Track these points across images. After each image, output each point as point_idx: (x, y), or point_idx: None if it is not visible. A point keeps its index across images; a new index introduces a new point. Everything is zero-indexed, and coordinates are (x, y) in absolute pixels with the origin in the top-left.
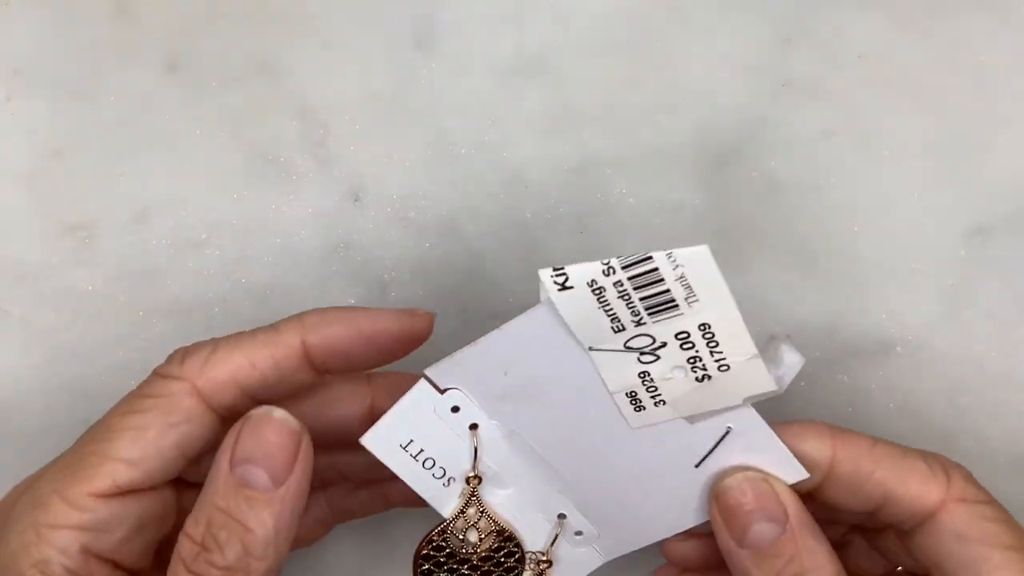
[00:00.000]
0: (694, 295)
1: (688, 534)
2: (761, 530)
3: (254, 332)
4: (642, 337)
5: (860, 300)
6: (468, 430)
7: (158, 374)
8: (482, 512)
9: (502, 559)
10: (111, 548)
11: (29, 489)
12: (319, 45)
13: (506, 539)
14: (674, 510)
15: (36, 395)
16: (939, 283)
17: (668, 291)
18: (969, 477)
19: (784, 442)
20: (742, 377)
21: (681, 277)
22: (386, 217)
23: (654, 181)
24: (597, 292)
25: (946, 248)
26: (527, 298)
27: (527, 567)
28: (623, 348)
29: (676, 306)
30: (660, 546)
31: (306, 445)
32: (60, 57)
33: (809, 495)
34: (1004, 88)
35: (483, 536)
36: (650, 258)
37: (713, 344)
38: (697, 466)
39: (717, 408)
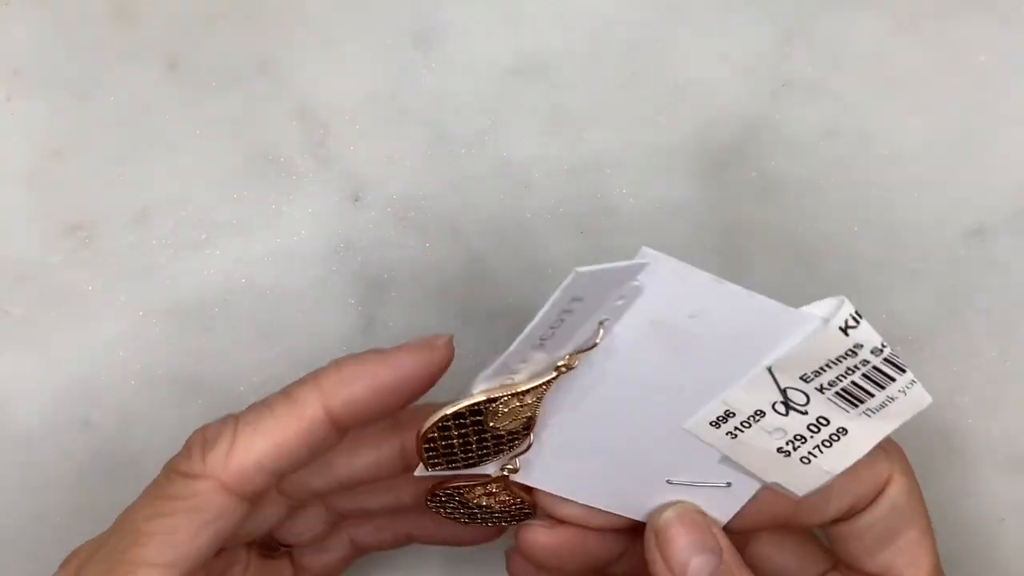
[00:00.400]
0: (880, 412)
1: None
2: (699, 563)
3: (271, 406)
4: (803, 395)
5: (860, 300)
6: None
7: (179, 472)
8: (540, 398)
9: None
10: None
11: None
12: (319, 45)
13: (527, 427)
14: (639, 499)
15: (36, 395)
16: (939, 283)
17: (874, 397)
18: (902, 452)
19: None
20: (803, 475)
21: (894, 399)
22: (386, 217)
23: (654, 181)
24: (850, 353)
25: (946, 248)
26: (527, 298)
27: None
28: (781, 389)
29: (857, 407)
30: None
31: None
32: (60, 57)
33: (781, 524)
34: (1004, 88)
35: (514, 419)
36: (905, 373)
37: (827, 445)
38: (671, 483)
39: (753, 473)
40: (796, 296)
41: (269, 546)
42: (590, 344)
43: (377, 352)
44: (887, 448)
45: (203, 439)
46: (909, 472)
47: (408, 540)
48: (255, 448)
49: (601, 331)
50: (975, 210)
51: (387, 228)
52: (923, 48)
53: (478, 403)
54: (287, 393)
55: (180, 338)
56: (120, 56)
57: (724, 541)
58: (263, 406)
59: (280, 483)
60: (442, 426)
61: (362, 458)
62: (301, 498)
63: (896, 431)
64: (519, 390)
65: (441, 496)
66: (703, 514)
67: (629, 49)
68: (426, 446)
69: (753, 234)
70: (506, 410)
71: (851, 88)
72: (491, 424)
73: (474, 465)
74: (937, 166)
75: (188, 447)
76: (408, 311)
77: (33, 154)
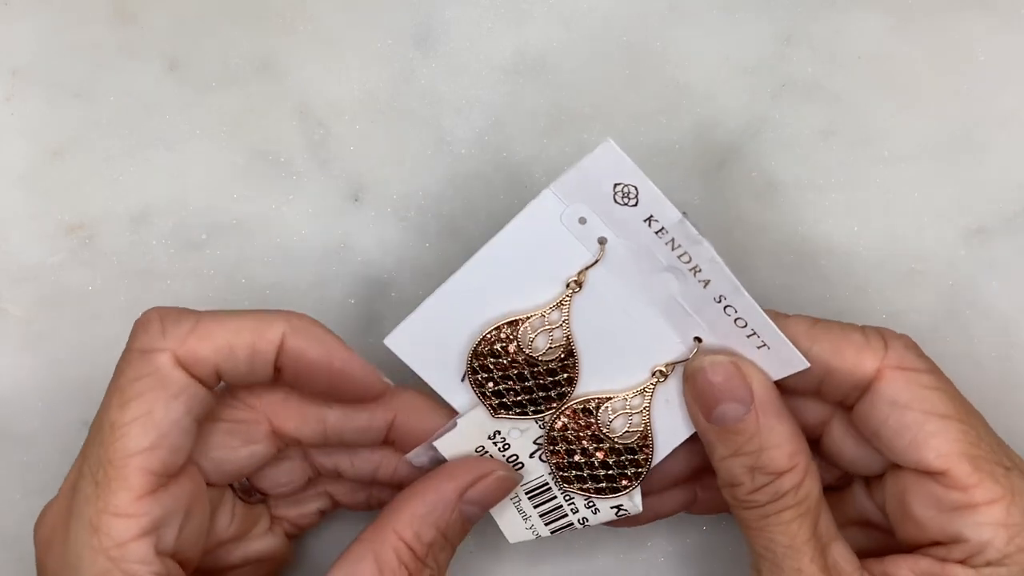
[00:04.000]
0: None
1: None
2: (727, 409)
3: (238, 314)
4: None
5: (860, 300)
6: (597, 243)
7: (136, 350)
8: (564, 320)
9: (556, 379)
10: (171, 544)
11: (72, 517)
12: (319, 45)
13: (568, 355)
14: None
15: (36, 395)
16: (939, 283)
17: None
18: (911, 346)
19: (782, 333)
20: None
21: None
22: (386, 217)
23: (654, 181)
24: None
25: (946, 248)
26: None
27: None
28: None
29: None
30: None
31: None
32: (60, 57)
33: None
34: (1004, 89)
35: (552, 345)
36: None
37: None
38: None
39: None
40: (796, 297)
41: (247, 491)
42: (592, 261)
43: (339, 341)
44: (886, 339)
45: (160, 317)
46: (915, 366)
47: (381, 506)
48: (215, 338)
49: (600, 248)
50: (975, 210)
51: (387, 228)
52: (923, 48)
53: (512, 320)
54: (257, 311)
55: None
56: (120, 56)
57: (761, 387)
58: (230, 312)
59: (274, 422)
60: (486, 350)
61: (354, 421)
62: (288, 443)
63: None
64: (541, 311)
65: (567, 430)
66: (739, 364)
67: (629, 49)
68: (475, 363)
69: (753, 234)
70: (538, 327)
71: (851, 88)
72: (528, 351)
73: (527, 406)
74: (937, 166)
75: (144, 324)
76: (408, 311)
77: (33, 154)
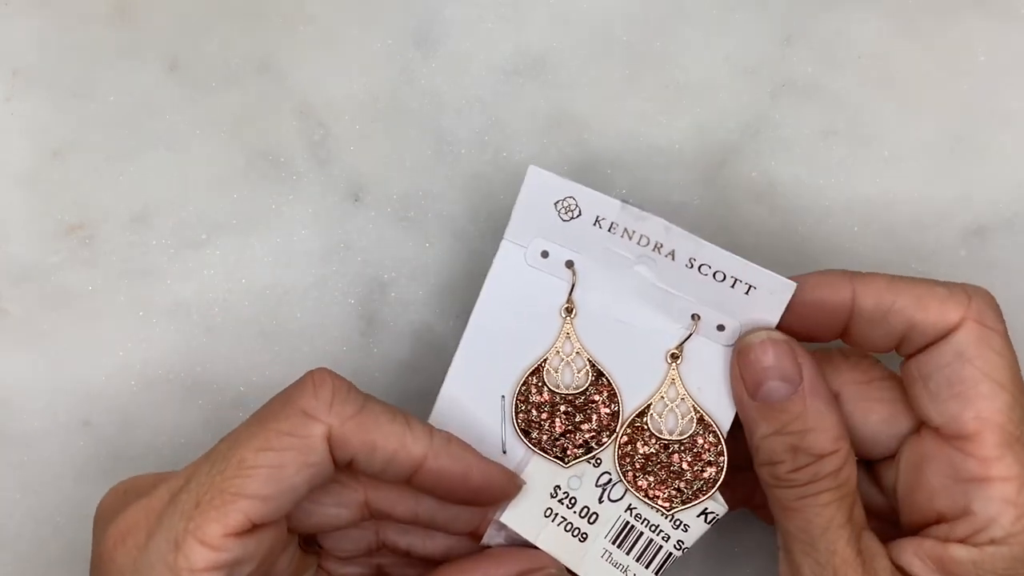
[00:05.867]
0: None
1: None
2: (774, 387)
3: (393, 414)
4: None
5: None
6: (565, 267)
7: (300, 409)
8: (577, 349)
9: (598, 401)
10: None
11: (160, 526)
12: (319, 45)
13: (598, 376)
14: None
15: (36, 395)
16: None
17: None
18: (991, 302)
19: (806, 292)
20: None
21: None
22: (386, 217)
23: (654, 181)
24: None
25: (946, 248)
26: None
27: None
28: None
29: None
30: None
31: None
32: (60, 57)
33: (839, 335)
34: (1004, 89)
35: (578, 374)
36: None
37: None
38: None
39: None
40: None
41: (309, 541)
42: (570, 287)
43: (476, 454)
44: (969, 294)
45: (332, 387)
46: (992, 326)
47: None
48: (369, 432)
49: (571, 272)
50: (975, 210)
51: (387, 228)
52: (923, 48)
53: (534, 369)
54: (411, 418)
55: (180, 338)
56: (120, 56)
57: (809, 369)
58: (387, 409)
59: (369, 494)
60: (526, 401)
61: (447, 511)
62: (377, 516)
63: None
64: (554, 348)
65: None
66: (791, 344)
67: (629, 49)
68: (521, 426)
69: (753, 234)
70: (558, 365)
71: (851, 88)
72: (561, 390)
73: (589, 442)
74: (937, 166)
75: (314, 385)
76: (408, 311)
77: (33, 154)
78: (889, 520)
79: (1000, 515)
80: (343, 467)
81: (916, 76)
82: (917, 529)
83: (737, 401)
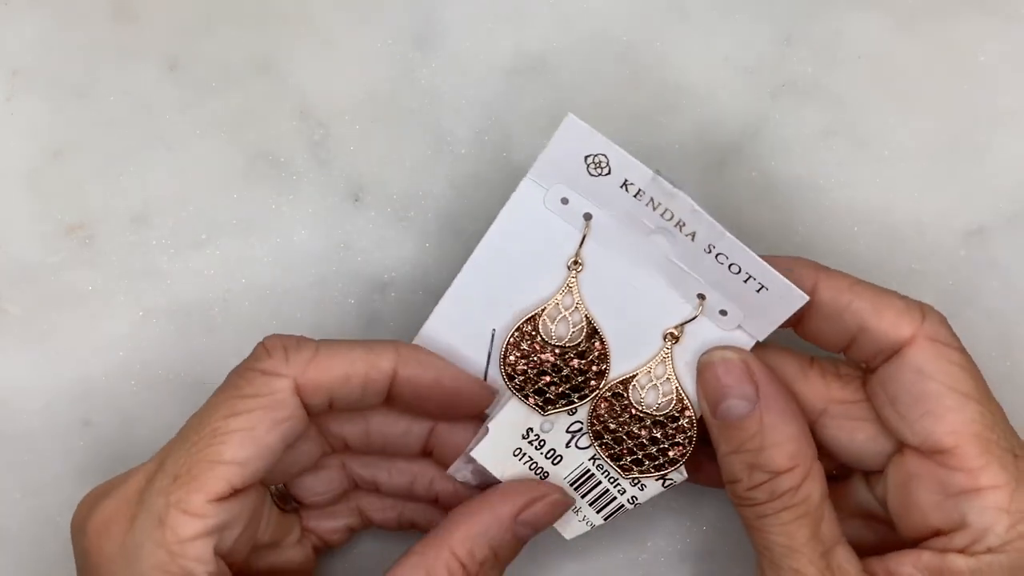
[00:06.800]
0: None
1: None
2: (731, 406)
3: (350, 344)
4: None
5: None
6: (583, 219)
7: (258, 370)
8: (577, 303)
9: (589, 359)
10: (227, 547)
11: (141, 508)
12: (319, 45)
13: (592, 333)
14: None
15: (36, 395)
16: (939, 283)
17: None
18: (944, 321)
19: (775, 270)
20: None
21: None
22: (386, 217)
23: None
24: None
25: (946, 248)
26: None
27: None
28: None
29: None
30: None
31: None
32: (60, 57)
33: (793, 324)
34: (1003, 89)
35: (573, 329)
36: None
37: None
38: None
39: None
40: None
41: (284, 498)
42: (581, 236)
43: (445, 361)
44: (924, 312)
45: (283, 344)
46: (947, 342)
47: (411, 526)
48: (333, 368)
49: (587, 224)
50: (975, 210)
51: (387, 228)
52: (923, 48)
53: (530, 316)
54: (364, 342)
55: (180, 338)
56: (120, 56)
57: (766, 384)
58: (343, 342)
59: (321, 420)
60: (516, 346)
61: (396, 425)
62: (334, 444)
63: None
64: (554, 300)
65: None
66: (748, 362)
67: (629, 49)
68: (507, 370)
69: (753, 234)
70: (556, 316)
71: (851, 88)
72: (554, 341)
73: (571, 395)
74: (937, 166)
75: (266, 349)
76: (408, 311)
77: (33, 154)
78: (893, 526)
79: (995, 523)
80: (321, 413)
81: (916, 76)
82: (915, 542)
83: (704, 419)
